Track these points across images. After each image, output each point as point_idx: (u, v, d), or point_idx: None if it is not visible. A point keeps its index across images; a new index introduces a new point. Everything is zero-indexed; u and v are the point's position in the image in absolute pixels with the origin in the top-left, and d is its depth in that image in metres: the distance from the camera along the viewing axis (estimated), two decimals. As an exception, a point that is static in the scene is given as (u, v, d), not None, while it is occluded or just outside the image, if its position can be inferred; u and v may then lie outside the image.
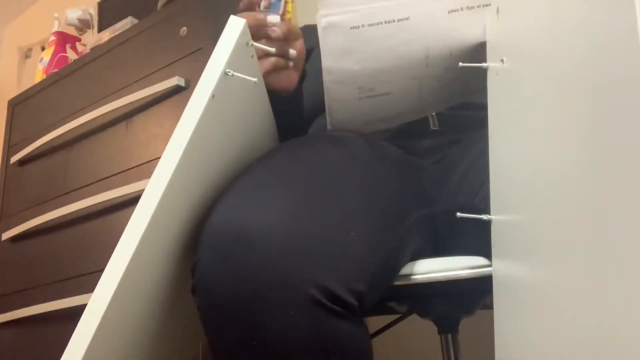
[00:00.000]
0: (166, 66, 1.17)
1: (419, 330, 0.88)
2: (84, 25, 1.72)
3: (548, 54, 0.41)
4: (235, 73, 0.53)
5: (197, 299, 0.50)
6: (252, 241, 0.47)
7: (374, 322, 0.75)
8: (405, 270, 0.57)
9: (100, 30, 1.57)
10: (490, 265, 0.54)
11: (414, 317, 0.71)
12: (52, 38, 1.70)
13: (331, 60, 0.63)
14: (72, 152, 1.34)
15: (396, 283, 0.56)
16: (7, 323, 1.30)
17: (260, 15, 0.67)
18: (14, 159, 1.47)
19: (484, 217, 0.53)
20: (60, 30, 1.73)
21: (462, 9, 0.60)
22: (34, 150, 1.41)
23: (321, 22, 0.61)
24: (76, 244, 1.23)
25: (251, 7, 0.70)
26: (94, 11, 1.67)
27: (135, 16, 1.42)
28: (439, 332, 0.68)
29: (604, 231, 0.31)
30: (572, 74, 0.36)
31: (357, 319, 0.50)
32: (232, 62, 0.53)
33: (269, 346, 0.47)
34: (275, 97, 0.70)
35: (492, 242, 0.53)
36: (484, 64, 0.57)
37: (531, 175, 0.44)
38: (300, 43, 0.72)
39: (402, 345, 1.06)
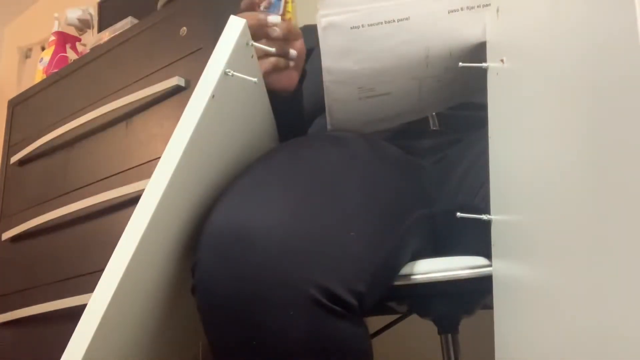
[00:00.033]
0: (166, 66, 1.17)
1: (419, 330, 0.88)
2: (84, 25, 1.72)
3: (548, 54, 0.41)
4: (235, 73, 0.53)
5: (197, 299, 0.50)
6: (252, 241, 0.47)
7: (374, 322, 0.75)
8: (405, 270, 0.57)
9: (100, 30, 1.57)
10: (490, 265, 0.54)
11: (414, 317, 0.70)
12: (52, 38, 1.70)
13: (331, 60, 0.63)
14: (72, 152, 1.34)
15: (396, 283, 0.56)
16: (7, 323, 1.31)
17: (261, 15, 0.67)
18: (14, 159, 1.47)
19: (484, 217, 0.53)
20: (60, 30, 1.73)
21: (462, 9, 0.60)
22: (34, 150, 1.41)
23: (321, 22, 0.61)
24: (76, 244, 1.23)
25: (252, 7, 0.70)
26: (94, 11, 1.67)
27: (135, 16, 1.42)
28: (439, 332, 0.67)
29: (604, 231, 0.31)
30: (572, 74, 0.36)
31: (357, 319, 0.50)
32: (232, 62, 0.53)
33: (269, 346, 0.47)
34: (275, 97, 0.70)
35: (492, 242, 0.53)
36: (484, 64, 0.57)
37: (531, 175, 0.44)
38: (300, 43, 0.72)
39: (402, 345, 1.06)
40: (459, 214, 0.55)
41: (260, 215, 0.48)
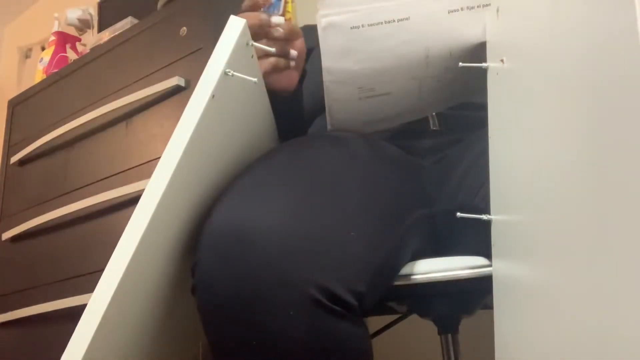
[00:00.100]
0: (166, 66, 1.17)
1: (419, 330, 0.88)
2: (84, 25, 1.72)
3: (548, 54, 0.41)
4: (235, 73, 0.53)
5: (197, 299, 0.50)
6: (252, 241, 0.47)
7: (374, 322, 0.75)
8: (405, 270, 0.57)
9: (100, 30, 1.57)
10: (490, 265, 0.54)
11: (414, 317, 0.71)
12: (52, 38, 1.70)
13: (331, 60, 0.63)
14: (72, 152, 1.34)
15: (396, 283, 0.56)
16: (7, 323, 1.31)
17: (263, 15, 0.67)
18: (14, 159, 1.47)
19: (484, 217, 0.53)
20: (60, 30, 1.73)
21: (462, 9, 0.60)
22: (34, 150, 1.41)
23: (321, 22, 0.61)
24: (76, 244, 1.23)
25: (254, 8, 0.70)
26: (94, 11, 1.67)
27: (135, 16, 1.42)
28: (439, 332, 0.67)
29: (604, 231, 0.31)
30: (572, 74, 0.36)
31: (357, 319, 0.50)
32: (232, 62, 0.53)
33: (269, 346, 0.47)
34: (275, 97, 0.70)
35: (492, 242, 0.53)
36: (484, 64, 0.57)
37: (531, 175, 0.44)
38: (300, 43, 0.72)
39: (402, 345, 1.06)
40: (459, 214, 0.55)
41: (260, 215, 0.48)
